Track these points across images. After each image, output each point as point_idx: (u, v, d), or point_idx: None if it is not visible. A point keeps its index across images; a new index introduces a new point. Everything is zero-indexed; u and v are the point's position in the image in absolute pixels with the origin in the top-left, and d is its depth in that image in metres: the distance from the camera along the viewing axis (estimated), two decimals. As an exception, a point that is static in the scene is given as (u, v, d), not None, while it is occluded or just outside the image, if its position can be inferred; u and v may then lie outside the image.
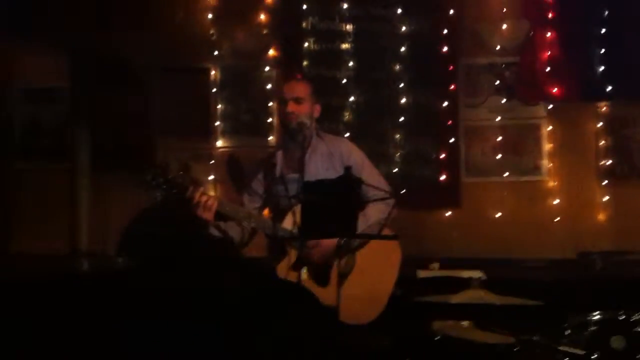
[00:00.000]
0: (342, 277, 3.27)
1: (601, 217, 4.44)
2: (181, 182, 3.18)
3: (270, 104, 4.60)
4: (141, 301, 3.93)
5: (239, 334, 3.71)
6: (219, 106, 4.80)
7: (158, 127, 4.81)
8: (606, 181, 4.46)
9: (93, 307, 3.93)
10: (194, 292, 3.97)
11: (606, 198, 4.44)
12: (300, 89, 3.42)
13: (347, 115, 4.65)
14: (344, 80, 4.66)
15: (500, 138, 4.57)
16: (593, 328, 2.92)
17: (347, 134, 4.53)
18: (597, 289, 3.65)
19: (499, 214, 4.50)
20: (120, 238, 4.70)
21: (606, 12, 4.47)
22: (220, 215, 3.29)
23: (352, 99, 4.66)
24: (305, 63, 4.68)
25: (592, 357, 2.72)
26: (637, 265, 3.82)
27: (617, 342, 2.87)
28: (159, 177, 3.15)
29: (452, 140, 4.60)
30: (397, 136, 4.62)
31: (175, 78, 4.81)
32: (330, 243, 3.02)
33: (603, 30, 4.47)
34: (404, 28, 4.64)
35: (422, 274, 3.80)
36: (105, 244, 4.77)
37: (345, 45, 4.68)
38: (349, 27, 4.68)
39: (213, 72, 4.82)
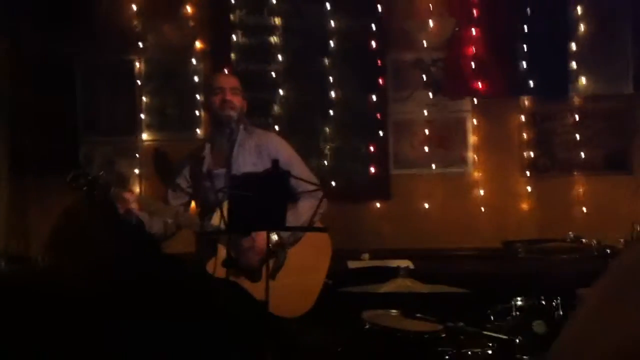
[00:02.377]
0: (274, 271, 3.27)
1: (524, 207, 4.57)
2: (102, 182, 3.10)
3: (198, 97, 4.52)
4: (67, 303, 3.82)
5: (170, 330, 3.65)
6: (144, 99, 4.69)
7: (81, 123, 4.66)
8: (529, 173, 4.60)
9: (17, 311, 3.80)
10: (122, 291, 3.89)
11: (529, 189, 4.58)
12: (236, 80, 3.41)
13: (276, 110, 4.63)
14: (273, 74, 4.63)
15: (427, 132, 4.64)
16: (516, 314, 3.01)
17: (277, 128, 4.51)
18: (520, 277, 3.76)
19: (427, 206, 4.57)
20: (44, 239, 4.55)
21: (528, 10, 4.60)
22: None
23: (281, 93, 4.64)
24: (233, 56, 4.64)
25: (515, 341, 2.80)
26: (557, 253, 3.95)
27: (538, 327, 2.97)
28: (79, 178, 3.07)
29: (381, 133, 4.64)
30: (327, 130, 4.63)
31: (99, 71, 4.68)
32: (264, 242, 3.01)
33: (525, 28, 4.60)
34: (333, 23, 4.66)
35: (352, 264, 3.83)
36: (26, 245, 4.60)
37: (274, 39, 4.65)
38: (277, 21, 4.66)
39: (138, 65, 4.71)
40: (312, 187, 3.16)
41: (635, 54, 4.60)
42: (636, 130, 4.57)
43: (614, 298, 0.94)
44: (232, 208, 2.75)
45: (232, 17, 4.65)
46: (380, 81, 4.66)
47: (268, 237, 2.83)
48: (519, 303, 3.03)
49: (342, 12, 4.65)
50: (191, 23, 4.65)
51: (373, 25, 4.65)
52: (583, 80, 4.60)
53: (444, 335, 2.82)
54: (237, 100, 3.34)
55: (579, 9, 4.58)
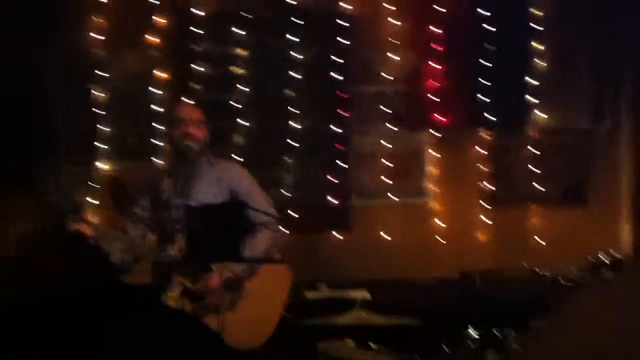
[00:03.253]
0: (231, 303, 3.26)
1: (482, 238, 4.64)
2: (60, 211, 3.08)
3: (158, 126, 4.51)
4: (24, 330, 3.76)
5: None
6: (104, 128, 4.67)
7: (39, 150, 4.61)
8: (487, 204, 4.67)
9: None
10: (80, 321, 3.84)
11: (487, 220, 4.64)
12: (198, 112, 3.41)
13: (239, 140, 4.64)
14: (237, 105, 4.66)
15: (388, 163, 4.70)
16: (469, 344, 3.04)
17: (238, 158, 4.52)
18: (476, 307, 3.80)
19: (387, 236, 4.61)
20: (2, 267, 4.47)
21: (490, 46, 4.71)
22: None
23: (244, 123, 4.66)
24: (195, 86, 4.65)
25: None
26: (513, 283, 4.02)
27: (491, 357, 3.00)
28: (37, 207, 3.04)
29: (342, 164, 4.68)
30: (289, 160, 4.66)
31: (59, 99, 4.65)
32: (221, 274, 2.99)
33: (485, 62, 4.71)
34: (297, 55, 4.71)
35: (310, 295, 3.83)
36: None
37: (238, 70, 4.69)
38: (241, 51, 4.70)
39: (98, 93, 4.69)
40: (271, 219, 3.16)
41: (592, 89, 4.74)
42: (592, 163, 4.68)
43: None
44: (189, 240, 2.75)
45: (195, 46, 4.67)
46: (343, 112, 4.72)
47: (225, 269, 2.83)
48: (472, 334, 3.05)
49: (305, 43, 4.71)
50: (153, 52, 4.66)
51: (336, 57, 4.71)
52: (541, 114, 4.72)
53: (398, 366, 2.83)
54: (199, 133, 3.33)
55: (538, 45, 4.71)
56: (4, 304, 4.10)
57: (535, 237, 4.59)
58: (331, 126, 4.68)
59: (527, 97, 4.73)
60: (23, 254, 4.41)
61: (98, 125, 4.62)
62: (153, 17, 4.62)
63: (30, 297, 4.10)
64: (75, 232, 3.06)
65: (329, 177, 4.66)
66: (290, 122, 4.66)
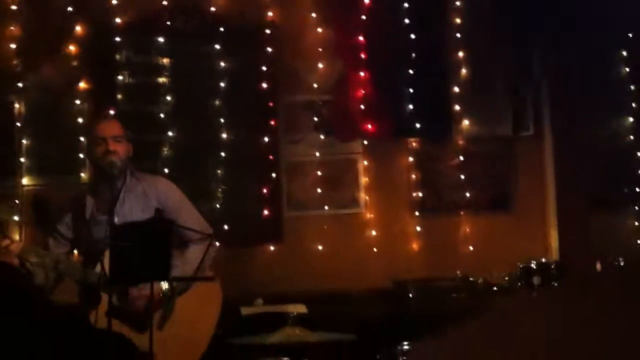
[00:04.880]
0: (161, 321, 3.15)
1: (414, 247, 4.67)
2: None
3: (81, 139, 4.32)
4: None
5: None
6: (25, 142, 4.45)
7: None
8: (418, 213, 4.71)
9: None
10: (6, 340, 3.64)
11: (418, 229, 4.68)
12: (118, 127, 3.29)
13: (165, 152, 4.51)
14: (162, 116, 4.53)
15: (319, 173, 4.68)
16: (403, 358, 3.03)
17: (166, 171, 4.40)
18: (410, 317, 3.82)
19: (320, 247, 4.58)
20: None
21: (413, 55, 4.75)
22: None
23: (170, 134, 4.54)
24: (119, 97, 4.50)
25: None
26: (446, 291, 4.06)
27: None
28: None
29: (273, 175, 4.63)
30: (218, 172, 4.56)
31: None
32: (149, 292, 2.88)
33: (411, 71, 4.75)
34: (223, 64, 4.63)
35: (245, 311, 3.75)
36: None
37: (162, 80, 4.55)
38: (165, 61, 4.57)
39: (17, 106, 4.47)
40: (200, 235, 3.08)
41: (514, 98, 4.86)
42: (517, 171, 4.80)
43: None
44: (113, 259, 2.63)
45: (118, 56, 4.52)
46: (272, 122, 4.66)
47: (152, 288, 2.72)
48: (406, 347, 3.05)
49: (232, 52, 4.63)
50: (74, 62, 4.47)
51: (264, 67, 4.66)
52: (466, 122, 4.80)
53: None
54: (120, 148, 3.23)
55: (461, 53, 4.79)
56: None
57: (466, 245, 4.65)
58: (260, 136, 4.62)
59: (452, 105, 4.79)
60: None
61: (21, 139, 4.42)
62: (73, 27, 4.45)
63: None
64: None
65: (260, 188, 4.59)
66: (218, 133, 4.57)
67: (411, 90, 4.75)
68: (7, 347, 3.64)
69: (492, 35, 4.76)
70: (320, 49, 4.72)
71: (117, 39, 4.52)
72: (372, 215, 4.68)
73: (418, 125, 4.73)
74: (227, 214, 4.51)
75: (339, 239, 4.60)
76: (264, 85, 4.65)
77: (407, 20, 4.77)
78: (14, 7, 4.43)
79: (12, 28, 4.44)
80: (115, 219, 3.10)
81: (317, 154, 4.70)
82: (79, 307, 3.15)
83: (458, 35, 4.78)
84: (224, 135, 4.58)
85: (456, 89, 4.80)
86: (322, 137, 4.71)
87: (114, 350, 2.91)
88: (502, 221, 4.71)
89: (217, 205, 4.52)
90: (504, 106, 4.87)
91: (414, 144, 4.79)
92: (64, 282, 3.18)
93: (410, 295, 4.11)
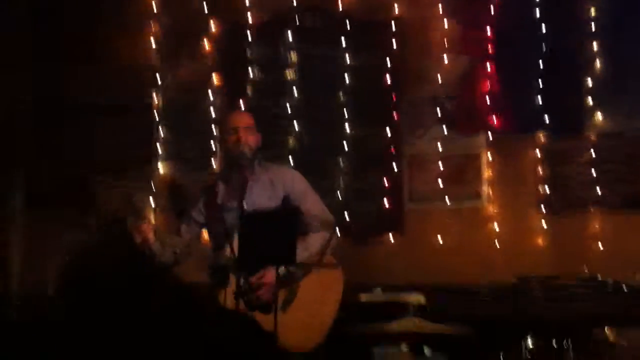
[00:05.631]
0: (285, 304, 3.28)
1: (539, 243, 4.52)
2: (120, 217, 3.16)
3: (214, 132, 4.59)
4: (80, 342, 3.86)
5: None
6: (161, 133, 4.79)
7: (100, 162, 4.75)
8: (544, 209, 4.57)
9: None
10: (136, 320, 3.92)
11: (544, 225, 4.54)
12: (249, 118, 3.47)
13: (290, 145, 4.68)
14: (288, 110, 4.70)
15: (442, 166, 4.65)
16: (527, 355, 2.96)
17: (291, 164, 4.56)
18: (533, 314, 3.71)
19: (441, 240, 4.56)
20: (57, 279, 4.61)
21: (544, 47, 4.62)
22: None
23: (296, 128, 4.70)
24: (249, 93, 4.72)
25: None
26: (572, 290, 3.90)
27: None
28: (97, 211, 3.14)
29: (395, 168, 4.66)
30: (341, 165, 4.67)
31: (117, 109, 4.78)
32: (273, 275, 3.02)
33: (541, 63, 4.62)
34: (348, 60, 4.72)
35: (364, 297, 3.81)
36: (41, 286, 4.65)
37: (289, 76, 4.74)
38: (293, 57, 4.74)
39: (156, 102, 4.81)
40: (324, 223, 3.18)
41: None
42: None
43: None
44: (243, 243, 2.78)
45: (248, 53, 4.74)
46: (395, 116, 4.70)
47: (277, 272, 2.85)
48: (530, 345, 2.98)
49: (357, 48, 4.72)
50: (208, 59, 4.76)
51: (388, 61, 4.70)
52: (599, 116, 4.59)
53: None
54: (251, 138, 3.40)
55: (595, 45, 4.59)
56: (65, 307, 4.23)
57: (595, 242, 4.45)
58: (383, 131, 4.66)
59: (585, 98, 4.60)
60: (82, 258, 4.54)
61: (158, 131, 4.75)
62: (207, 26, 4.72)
63: (92, 299, 4.22)
64: (136, 233, 3.14)
65: (381, 181, 4.64)
66: (341, 127, 4.67)
67: (541, 84, 4.61)
68: (141, 328, 3.88)
69: (629, 26, 4.52)
70: (446, 42, 4.69)
71: (248, 37, 4.74)
72: (495, 210, 4.59)
73: (547, 120, 4.59)
74: (350, 205, 4.60)
75: (460, 232, 4.55)
76: (388, 80, 4.70)
77: (537, 12, 4.63)
78: (154, 9, 4.76)
79: (152, 27, 4.79)
80: (244, 206, 3.26)
81: (440, 148, 4.68)
82: (208, 287, 3.34)
83: (592, 26, 4.58)
84: (348, 130, 4.68)
85: (589, 83, 4.60)
86: (445, 131, 4.68)
87: (240, 331, 3.07)
88: (635, 219, 4.45)
89: (339, 197, 4.62)
90: (640, 100, 4.61)
91: (542, 139, 4.64)
92: (195, 262, 3.39)
93: (534, 292, 3.99)
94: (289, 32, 4.73)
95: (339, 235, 3.22)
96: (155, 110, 4.80)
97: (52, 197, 4.63)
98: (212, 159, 4.71)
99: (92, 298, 4.29)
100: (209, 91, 4.74)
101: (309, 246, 3.30)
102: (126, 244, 3.24)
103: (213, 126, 4.63)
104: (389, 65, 4.70)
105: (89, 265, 4.44)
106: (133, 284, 4.00)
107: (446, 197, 4.61)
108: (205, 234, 3.53)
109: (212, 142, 4.67)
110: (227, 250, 3.18)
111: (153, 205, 4.70)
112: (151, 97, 4.78)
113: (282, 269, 3.22)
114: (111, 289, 4.18)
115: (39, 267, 4.64)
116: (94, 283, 4.36)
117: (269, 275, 3.12)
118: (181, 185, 4.61)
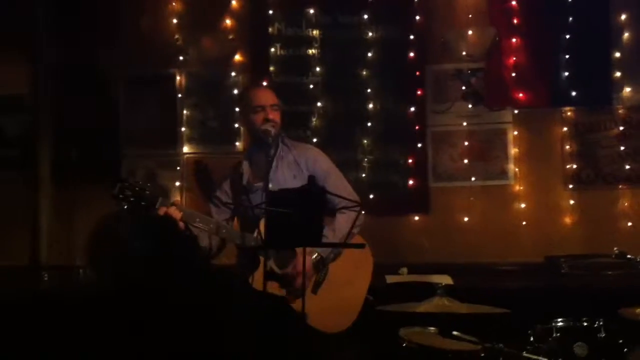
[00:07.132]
0: (315, 286, 3.28)
1: (567, 221, 4.48)
2: (149, 194, 3.15)
3: (237, 109, 4.56)
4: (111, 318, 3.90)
5: (214, 342, 3.69)
6: (185, 112, 4.77)
7: (124, 135, 4.76)
8: (572, 186, 4.51)
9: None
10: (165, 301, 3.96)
11: (572, 202, 4.48)
12: (274, 96, 3.43)
13: (314, 122, 4.64)
14: (311, 86, 4.66)
15: (467, 143, 4.59)
16: (557, 335, 2.94)
17: (315, 141, 4.53)
18: (563, 294, 3.68)
19: (466, 219, 4.52)
20: (86, 250, 4.65)
21: (570, 19, 4.52)
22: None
23: (319, 105, 4.65)
24: (272, 69, 4.67)
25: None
26: (602, 269, 3.86)
27: (580, 349, 2.90)
28: (126, 190, 3.12)
29: (419, 145, 4.61)
30: (365, 142, 4.63)
31: (140, 85, 4.76)
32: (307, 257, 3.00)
33: (568, 37, 4.52)
34: (371, 34, 4.65)
35: (390, 279, 3.80)
36: (70, 256, 4.70)
37: (312, 51, 4.68)
38: (315, 33, 4.67)
39: (178, 78, 4.78)
40: (349, 202, 3.14)
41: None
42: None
43: None
44: (269, 224, 2.76)
45: (270, 29, 4.68)
46: (419, 92, 4.63)
47: (305, 253, 2.84)
48: (560, 324, 2.95)
49: (380, 22, 4.65)
50: (231, 36, 4.71)
51: (411, 36, 4.63)
52: (627, 89, 4.50)
53: (482, 355, 2.77)
54: (277, 117, 3.37)
55: (623, 16, 4.49)
56: (94, 289, 4.28)
57: (625, 220, 4.39)
58: (407, 106, 4.61)
59: (613, 71, 4.51)
60: (110, 238, 4.58)
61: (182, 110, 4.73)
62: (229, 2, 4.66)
63: (117, 280, 4.27)
64: (164, 215, 3.13)
65: (406, 158, 4.60)
66: (365, 103, 4.62)
67: (567, 57, 4.52)
68: (176, 311, 3.91)
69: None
70: (471, 16, 4.60)
71: (270, 12, 4.68)
72: (522, 188, 4.54)
73: (574, 94, 4.50)
74: (373, 183, 4.57)
75: (487, 211, 4.51)
76: (412, 54, 4.62)
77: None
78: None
79: (174, 4, 4.75)
80: (270, 186, 3.23)
81: (465, 123, 4.61)
82: (237, 269, 3.34)
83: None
84: (371, 105, 4.63)
85: (617, 55, 4.50)
86: (470, 106, 4.61)
87: (271, 312, 3.08)
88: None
89: (363, 175, 4.59)
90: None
91: (569, 113, 4.56)
92: (225, 247, 3.39)
93: (563, 270, 3.96)
94: (311, 6, 4.65)
95: (363, 214, 3.18)
96: (178, 88, 4.77)
97: (78, 168, 4.66)
98: (236, 137, 4.68)
99: (123, 270, 4.35)
100: (232, 68, 4.70)
101: (337, 227, 3.28)
102: (157, 225, 3.24)
103: (236, 104, 4.59)
104: (412, 38, 4.62)
105: (121, 236, 4.48)
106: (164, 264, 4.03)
107: (471, 174, 4.56)
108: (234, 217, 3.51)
109: (235, 120, 4.64)
110: (255, 231, 3.16)
111: (178, 185, 4.70)
112: (174, 74, 4.75)
113: (315, 256, 3.20)
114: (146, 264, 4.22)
115: (66, 242, 4.68)
116: (126, 254, 4.40)
117: (300, 262, 3.11)
118: (206, 165, 4.60)
